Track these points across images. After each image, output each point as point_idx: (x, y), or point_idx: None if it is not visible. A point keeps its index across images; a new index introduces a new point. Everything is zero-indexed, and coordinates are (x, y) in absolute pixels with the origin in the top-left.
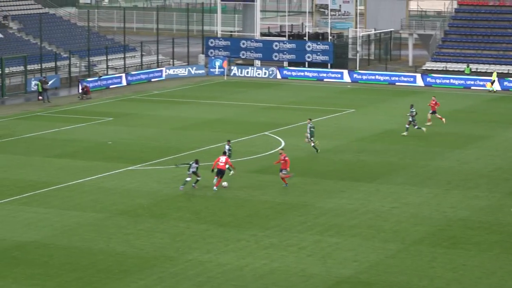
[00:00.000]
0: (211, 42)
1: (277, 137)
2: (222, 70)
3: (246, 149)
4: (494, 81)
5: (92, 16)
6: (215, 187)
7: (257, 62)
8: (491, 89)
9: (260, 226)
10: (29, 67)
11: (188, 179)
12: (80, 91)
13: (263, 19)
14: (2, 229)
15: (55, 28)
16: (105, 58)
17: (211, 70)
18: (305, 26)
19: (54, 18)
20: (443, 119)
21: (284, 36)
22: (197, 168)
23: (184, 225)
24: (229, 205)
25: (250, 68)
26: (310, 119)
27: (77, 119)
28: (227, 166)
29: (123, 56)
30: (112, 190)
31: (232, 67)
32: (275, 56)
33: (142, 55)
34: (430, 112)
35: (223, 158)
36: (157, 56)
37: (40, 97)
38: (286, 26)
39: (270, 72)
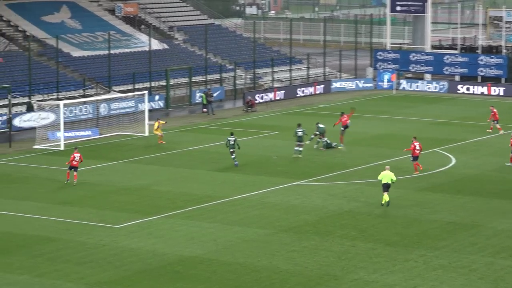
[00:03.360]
0: (380, 55)
1: (447, 154)
2: (390, 83)
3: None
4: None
5: (258, 27)
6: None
7: (427, 76)
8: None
9: (429, 246)
10: (194, 78)
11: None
12: (245, 103)
13: (434, 31)
14: (165, 243)
15: (220, 39)
16: (271, 70)
17: (379, 83)
18: (478, 38)
19: (220, 29)
20: (501, 129)
21: (456, 49)
22: (235, 140)
23: (349, 243)
24: (397, 224)
25: (419, 82)
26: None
27: (242, 132)
28: (333, 143)
29: (289, 68)
30: (277, 206)
31: (401, 81)
32: (446, 70)
33: (308, 68)
34: (494, 121)
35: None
36: (324, 69)
37: (204, 110)
38: (458, 39)
39: (441, 87)
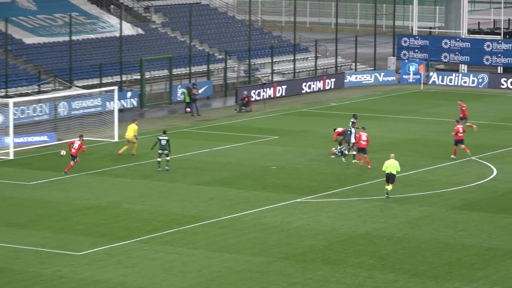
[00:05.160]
0: (405, 41)
1: (487, 163)
2: (418, 77)
3: (448, 179)
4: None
5: (255, 8)
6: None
7: (463, 67)
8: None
9: (464, 278)
10: (175, 71)
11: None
12: (239, 102)
13: (472, 12)
14: (138, 274)
15: (208, 23)
16: (270, 61)
17: (404, 76)
18: None
19: (208, 10)
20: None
21: (499, 34)
22: (167, 140)
23: (365, 274)
24: (424, 250)
25: (454, 74)
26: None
27: (234, 137)
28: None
29: (292, 58)
30: (275, 228)
31: (431, 73)
32: (487, 60)
33: (316, 57)
34: (462, 119)
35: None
36: (336, 59)
37: (187, 109)
38: (501, 21)
39: (480, 80)
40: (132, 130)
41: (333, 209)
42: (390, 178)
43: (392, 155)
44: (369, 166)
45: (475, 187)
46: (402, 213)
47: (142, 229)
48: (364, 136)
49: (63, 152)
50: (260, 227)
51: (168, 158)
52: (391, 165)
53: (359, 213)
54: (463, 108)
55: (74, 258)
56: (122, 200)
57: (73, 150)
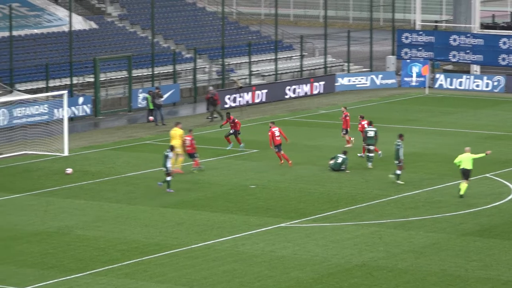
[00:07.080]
0: (406, 38)
1: (505, 182)
2: (422, 79)
3: (458, 200)
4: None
5: None
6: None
7: (476, 68)
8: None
9: None
10: (135, 72)
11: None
12: (210, 108)
13: (486, 3)
14: None
15: (174, 16)
16: (248, 61)
17: (406, 79)
18: None
19: (173, 1)
20: (349, 143)
21: None
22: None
23: None
24: (431, 284)
25: (464, 76)
26: None
27: (205, 150)
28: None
29: (273, 57)
30: (256, 258)
31: (437, 75)
32: (503, 59)
33: (302, 56)
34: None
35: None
36: (325, 58)
37: (150, 118)
38: None
39: (495, 83)
40: (177, 136)
41: (324, 236)
42: (464, 174)
43: (467, 148)
44: (285, 163)
45: (491, 210)
46: (405, 241)
47: (97, 259)
48: (277, 131)
49: (69, 171)
50: (238, 257)
51: (169, 178)
52: (466, 160)
53: (354, 240)
54: (347, 118)
55: None
56: (74, 225)
57: (188, 149)
